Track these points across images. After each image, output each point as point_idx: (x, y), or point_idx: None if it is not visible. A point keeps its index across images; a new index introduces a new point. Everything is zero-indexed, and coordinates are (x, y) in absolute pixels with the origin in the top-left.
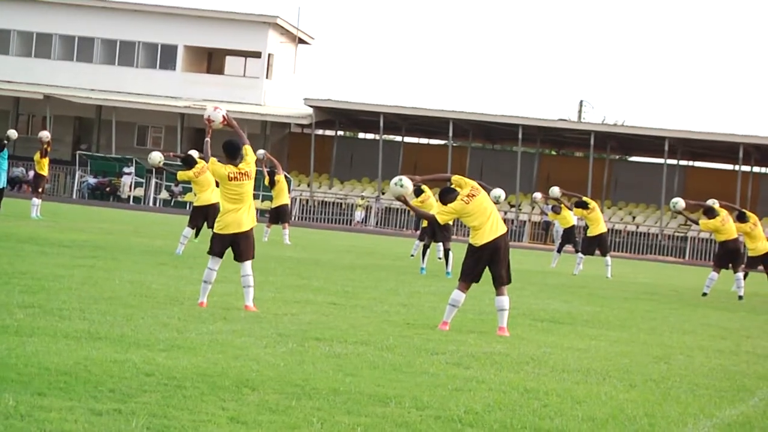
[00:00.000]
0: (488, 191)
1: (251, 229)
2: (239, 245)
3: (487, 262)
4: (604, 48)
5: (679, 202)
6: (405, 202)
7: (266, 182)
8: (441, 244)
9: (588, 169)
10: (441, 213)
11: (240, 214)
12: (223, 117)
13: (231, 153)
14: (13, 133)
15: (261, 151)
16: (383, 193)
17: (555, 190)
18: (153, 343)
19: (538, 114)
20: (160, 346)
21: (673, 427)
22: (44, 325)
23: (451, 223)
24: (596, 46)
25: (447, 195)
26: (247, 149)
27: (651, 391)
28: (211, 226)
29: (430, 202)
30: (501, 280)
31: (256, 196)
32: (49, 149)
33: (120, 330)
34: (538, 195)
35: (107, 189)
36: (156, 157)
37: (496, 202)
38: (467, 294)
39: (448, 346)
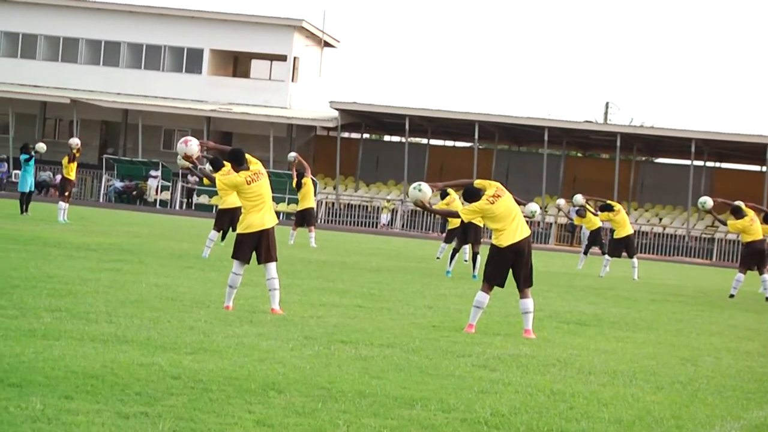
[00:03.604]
0: (523, 206)
1: (273, 228)
2: (263, 245)
3: (510, 265)
4: (630, 50)
5: (708, 201)
6: (423, 206)
7: (293, 184)
8: (470, 246)
9: (614, 170)
10: (465, 211)
11: (262, 213)
12: (198, 145)
13: (238, 160)
14: (42, 147)
15: (292, 154)
16: (408, 196)
17: (578, 198)
18: (179, 346)
19: (564, 116)
20: (186, 350)
21: (700, 429)
22: (71, 329)
23: (482, 225)
24: (622, 47)
25: (472, 195)
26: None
27: (678, 393)
28: (235, 229)
29: (456, 204)
30: (524, 282)
31: (282, 199)
32: (78, 155)
33: (146, 333)
34: (561, 201)
35: (134, 193)
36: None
37: (532, 217)
38: (492, 296)
39: (474, 349)
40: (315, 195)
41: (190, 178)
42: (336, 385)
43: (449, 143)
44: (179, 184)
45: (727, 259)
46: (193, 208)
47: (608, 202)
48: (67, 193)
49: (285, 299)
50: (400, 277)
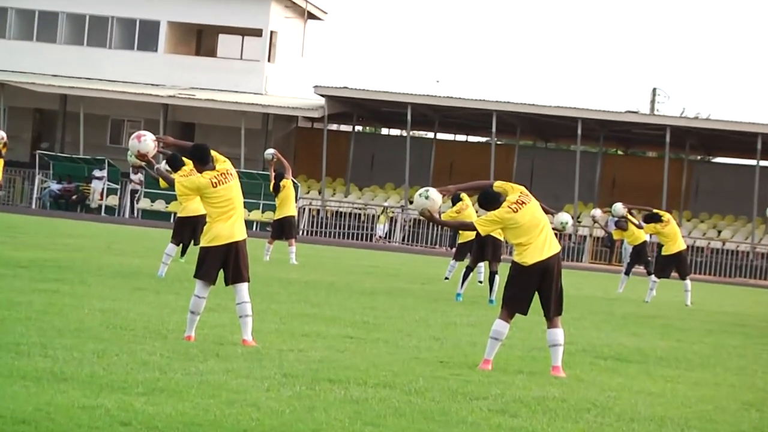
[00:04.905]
0: (552, 216)
1: (245, 240)
2: (233, 261)
3: (536, 287)
4: (681, 26)
5: None
6: (431, 217)
7: (270, 188)
8: (486, 264)
9: (662, 172)
10: (482, 222)
11: (231, 223)
12: (154, 141)
13: (202, 157)
14: None
15: (270, 151)
16: (411, 202)
17: (618, 207)
18: (130, 385)
19: (601, 105)
20: (138, 389)
21: None
22: None
23: (502, 238)
24: (672, 23)
25: (489, 201)
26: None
27: None
28: (198, 243)
29: (469, 212)
30: (553, 309)
31: (256, 206)
32: (4, 150)
33: (90, 369)
34: (597, 212)
35: (74, 197)
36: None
37: (562, 230)
38: (512, 325)
39: (490, 390)
40: (296, 200)
41: (133, 176)
42: None
43: (460, 138)
44: (129, 187)
45: None
46: (138, 215)
47: (655, 211)
48: None
49: (259, 328)
50: (400, 301)
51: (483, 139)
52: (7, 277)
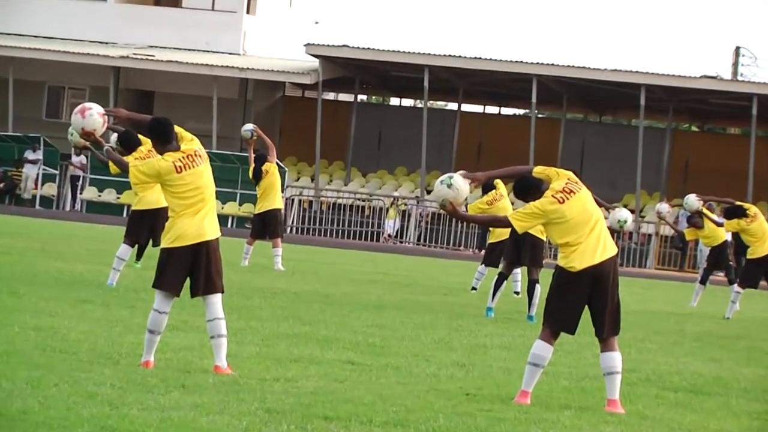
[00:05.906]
0: (607, 210)
1: (217, 240)
2: (203, 266)
3: (586, 299)
4: None
5: None
6: (454, 211)
7: (250, 173)
8: (525, 270)
9: (748, 153)
10: (519, 216)
11: (200, 218)
12: (102, 114)
13: (164, 135)
14: None
15: (249, 126)
16: (429, 192)
17: (691, 200)
18: (73, 423)
19: (670, 69)
20: (83, 428)
21: None
22: None
23: (543, 238)
24: None
25: (528, 189)
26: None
27: None
28: (158, 244)
29: (503, 204)
30: (608, 327)
31: (232, 196)
32: None
33: (22, 403)
34: (664, 206)
35: (1, 185)
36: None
37: (620, 229)
38: (557, 347)
39: (529, 429)
40: (283, 190)
41: (75, 159)
42: None
43: (491, 110)
44: (70, 173)
45: None
46: (81, 207)
47: (738, 203)
48: None
49: (236, 352)
50: (414, 317)
51: (520, 112)
52: None
